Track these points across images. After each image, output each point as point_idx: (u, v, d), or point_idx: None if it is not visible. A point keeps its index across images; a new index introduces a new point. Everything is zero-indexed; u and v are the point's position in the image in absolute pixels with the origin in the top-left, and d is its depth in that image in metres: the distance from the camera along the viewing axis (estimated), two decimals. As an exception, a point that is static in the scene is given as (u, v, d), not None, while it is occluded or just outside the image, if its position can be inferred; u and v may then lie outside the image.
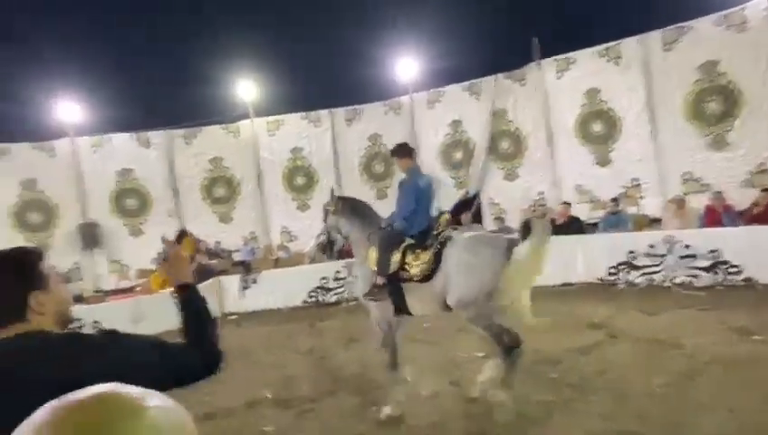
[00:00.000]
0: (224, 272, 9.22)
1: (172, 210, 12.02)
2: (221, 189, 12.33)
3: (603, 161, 10.23)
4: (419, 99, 11.93)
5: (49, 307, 1.17)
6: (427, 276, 3.69)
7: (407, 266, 3.75)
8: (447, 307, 3.71)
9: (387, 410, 3.65)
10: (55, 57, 11.68)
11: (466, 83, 11.54)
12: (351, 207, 4.24)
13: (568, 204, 7.72)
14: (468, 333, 4.24)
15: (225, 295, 8.21)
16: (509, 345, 3.41)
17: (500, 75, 11.14)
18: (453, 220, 4.19)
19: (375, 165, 12.27)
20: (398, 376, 3.85)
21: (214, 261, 10.20)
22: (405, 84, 11.98)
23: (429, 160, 11.92)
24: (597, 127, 10.28)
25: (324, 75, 13.66)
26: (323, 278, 7.94)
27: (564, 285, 6.57)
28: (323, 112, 12.29)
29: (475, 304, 3.51)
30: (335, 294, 8.28)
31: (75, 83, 11.41)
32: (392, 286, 3.78)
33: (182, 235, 11.92)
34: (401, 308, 3.86)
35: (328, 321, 6.80)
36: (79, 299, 8.59)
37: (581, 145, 10.44)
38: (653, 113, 9.63)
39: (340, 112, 12.28)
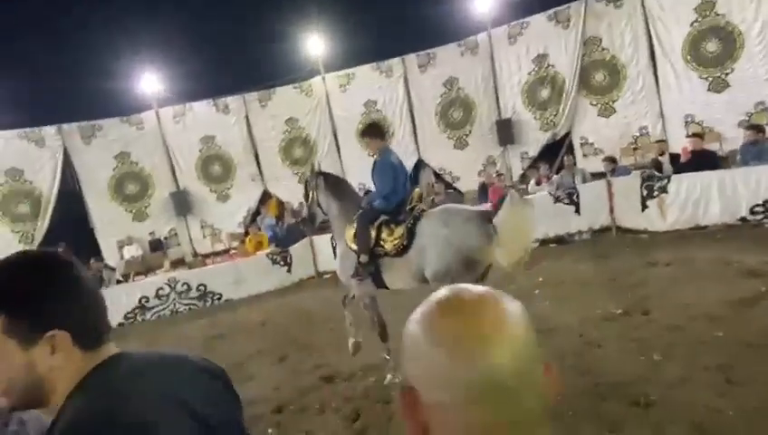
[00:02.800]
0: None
1: (254, 174, 12.24)
2: (299, 150, 12.32)
3: (719, 86, 8.94)
4: (498, 35, 10.99)
5: None
6: (401, 251, 3.70)
7: (381, 242, 3.78)
8: (424, 280, 3.70)
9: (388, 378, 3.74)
10: (136, 32, 11.92)
11: (551, 11, 10.42)
12: (332, 184, 4.23)
13: (699, 135, 6.77)
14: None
15: (318, 255, 8.24)
16: None
17: (593, -2, 9.93)
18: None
19: (453, 112, 11.63)
20: (389, 346, 3.87)
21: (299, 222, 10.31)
22: (481, 21, 11.05)
23: (512, 102, 11.15)
24: (711, 46, 8.94)
25: (393, 21, 12.92)
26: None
27: (695, 228, 5.84)
28: (395, 61, 11.70)
29: (450, 275, 3.43)
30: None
31: (154, 55, 11.62)
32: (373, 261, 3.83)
33: (266, 197, 12.29)
34: (378, 283, 3.90)
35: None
36: (182, 263, 9.02)
37: (692, 70, 9.18)
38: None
39: (413, 59, 11.63)
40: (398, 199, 3.89)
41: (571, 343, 3.58)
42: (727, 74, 8.84)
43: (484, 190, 8.30)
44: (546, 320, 4.02)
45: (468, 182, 11.24)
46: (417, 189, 4.09)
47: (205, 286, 7.79)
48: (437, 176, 11.76)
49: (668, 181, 5.98)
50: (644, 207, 6.15)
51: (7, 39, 11.77)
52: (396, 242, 3.72)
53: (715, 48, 8.90)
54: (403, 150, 11.85)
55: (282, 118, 12.17)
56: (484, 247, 3.41)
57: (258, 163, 12.29)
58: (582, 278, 5.07)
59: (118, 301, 7.60)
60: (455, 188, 9.17)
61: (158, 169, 11.86)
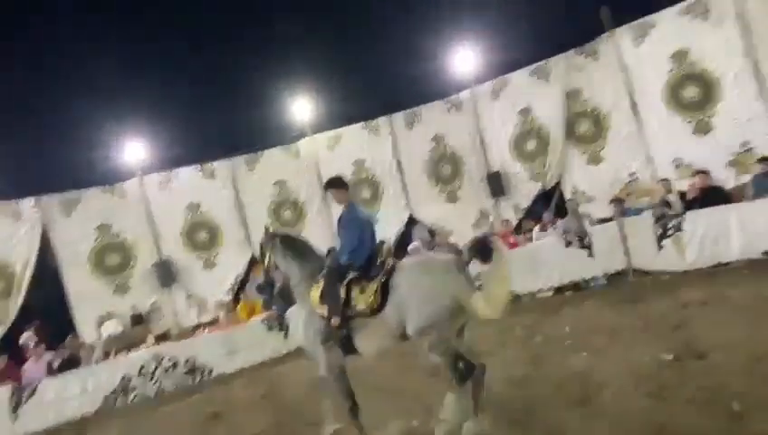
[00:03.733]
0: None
1: (242, 239, 11.82)
2: (288, 212, 12.03)
3: (704, 128, 9.15)
4: (482, 91, 11.29)
5: None
6: (375, 310, 3.48)
7: (352, 302, 3.55)
8: (400, 339, 3.52)
9: None
10: (117, 97, 11.86)
11: (532, 67, 10.80)
12: (290, 245, 4.03)
13: (704, 172, 6.75)
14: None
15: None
16: (465, 374, 3.28)
17: (570, 52, 10.34)
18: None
19: (441, 167, 11.65)
20: (360, 423, 3.62)
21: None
22: (465, 78, 11.37)
23: (499, 155, 11.25)
24: (690, 92, 9.25)
25: (379, 80, 13.25)
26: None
27: (717, 265, 5.64)
28: (382, 120, 11.83)
29: (435, 328, 3.30)
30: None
31: (138, 121, 11.51)
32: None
33: (255, 262, 11.81)
34: (347, 349, 3.64)
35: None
36: (166, 337, 8.36)
37: (675, 114, 9.43)
38: (757, 69, 8.53)
39: (399, 117, 11.78)
40: (365, 255, 3.70)
41: (629, 398, 3.19)
42: (710, 117, 9.08)
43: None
44: (591, 373, 3.63)
45: (462, 235, 11.04)
46: (385, 244, 4.00)
47: (194, 360, 7.15)
48: (431, 232, 11.55)
49: (683, 218, 5.85)
50: (660, 246, 5.97)
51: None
52: (369, 300, 3.49)
53: (693, 93, 9.21)
54: (393, 207, 11.73)
55: (270, 181, 11.96)
56: (468, 294, 3.27)
57: (246, 228, 11.91)
58: (612, 325, 4.74)
59: (97, 382, 6.88)
60: (449, 244, 8.96)
61: (140, 240, 11.34)
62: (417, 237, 11.89)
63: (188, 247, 11.55)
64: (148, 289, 11.14)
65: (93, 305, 10.68)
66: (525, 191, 11.04)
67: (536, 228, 7.89)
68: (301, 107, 11.86)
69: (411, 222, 11.87)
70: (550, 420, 3.21)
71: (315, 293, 3.67)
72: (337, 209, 11.87)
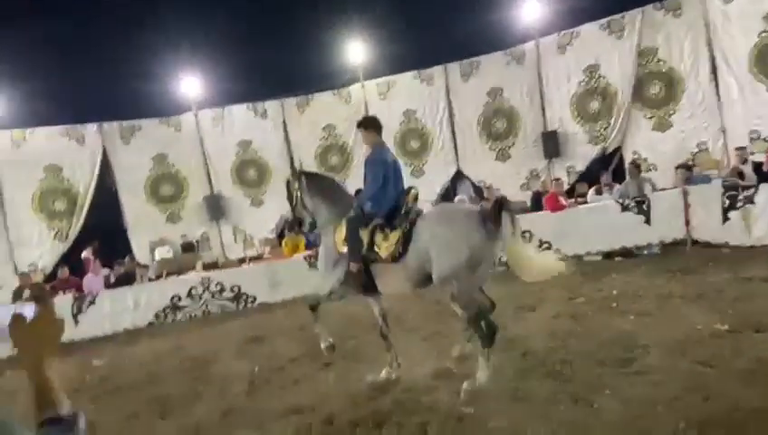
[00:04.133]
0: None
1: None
2: (335, 157, 12.06)
3: (792, 98, 8.34)
4: (547, 44, 10.63)
5: None
6: (397, 257, 3.52)
7: (375, 248, 3.59)
8: (421, 284, 3.59)
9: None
10: (178, 34, 11.97)
11: (604, 20, 10.04)
12: (317, 185, 4.02)
13: None
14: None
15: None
16: (488, 333, 3.28)
17: (648, 7, 9.51)
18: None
19: (496, 123, 11.23)
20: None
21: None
22: (529, 29, 10.71)
23: (559, 114, 10.71)
24: (782, 57, 8.37)
25: (436, 28, 12.72)
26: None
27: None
28: (436, 69, 11.44)
29: (457, 278, 3.32)
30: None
31: (195, 58, 11.63)
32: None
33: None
34: (370, 289, 3.72)
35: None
36: (214, 266, 8.75)
37: (760, 83, 8.60)
38: None
39: (455, 67, 11.34)
40: (390, 201, 3.70)
41: (675, 362, 3.08)
42: (801, 85, 8.24)
43: (537, 200, 7.81)
44: (635, 336, 3.52)
45: (509, 195, 10.77)
46: (412, 190, 3.86)
47: (239, 288, 7.48)
48: (476, 188, 11.34)
49: (756, 191, 5.43)
50: (725, 218, 5.60)
51: (52, 37, 11.95)
52: (391, 248, 3.53)
53: (785, 59, 8.34)
54: (442, 161, 11.52)
55: (319, 124, 11.97)
56: (489, 245, 3.29)
57: (293, 169, 12.05)
58: (663, 292, 4.54)
59: (149, 299, 7.35)
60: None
61: (193, 172, 11.75)
62: (462, 193, 11.75)
63: (237, 184, 11.87)
64: (198, 220, 11.64)
65: (147, 230, 11.29)
66: (582, 154, 10.54)
67: (591, 191, 7.55)
68: (354, 52, 11.61)
69: (458, 177, 11.69)
70: (589, 376, 3.15)
71: (340, 234, 3.71)
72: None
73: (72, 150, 10.82)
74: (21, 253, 10.22)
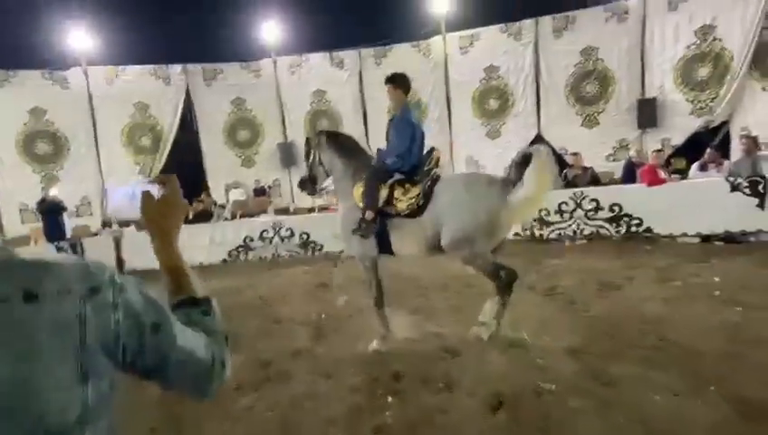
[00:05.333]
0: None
1: (361, 133, 11.89)
2: (408, 112, 11.73)
3: None
4: (655, 0, 9.50)
5: None
6: (415, 212, 3.48)
7: (394, 201, 3.56)
8: (434, 249, 3.52)
9: (373, 345, 3.61)
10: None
11: (729, -27, 8.76)
12: (336, 142, 3.96)
13: None
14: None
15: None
16: (507, 281, 3.29)
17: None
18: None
19: (586, 85, 10.37)
20: (384, 313, 3.77)
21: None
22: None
23: (660, 80, 9.67)
24: None
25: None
26: (544, 210, 6.77)
27: None
28: (526, 23, 10.62)
29: (469, 243, 3.31)
30: (556, 229, 7.02)
31: (277, 4, 11.54)
32: (378, 221, 3.59)
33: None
34: (383, 247, 3.66)
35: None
36: (285, 212, 8.92)
37: None
38: None
39: (547, 22, 10.47)
40: (413, 161, 3.65)
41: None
42: None
43: (630, 170, 7.17)
44: (744, 329, 3.12)
45: (593, 165, 10.03)
46: (435, 152, 3.81)
47: (308, 235, 7.59)
48: (556, 156, 10.65)
49: None
50: None
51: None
52: (411, 202, 3.50)
53: None
54: (522, 123, 10.88)
55: (395, 77, 11.62)
56: (506, 213, 3.26)
57: (365, 122, 11.92)
58: (777, 285, 4.01)
59: (223, 238, 7.63)
60: (584, 168, 8.06)
61: (269, 119, 11.94)
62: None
63: (309, 132, 11.94)
64: (271, 166, 11.91)
65: (223, 173, 11.73)
66: (681, 126, 9.54)
67: (694, 166, 6.79)
68: (438, 1, 11.01)
69: (537, 142, 11.03)
70: (690, 364, 2.83)
71: (358, 191, 3.67)
72: (459, 117, 11.40)
73: (158, 89, 11.27)
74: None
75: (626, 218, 6.38)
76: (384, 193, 3.57)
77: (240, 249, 7.73)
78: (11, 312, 0.54)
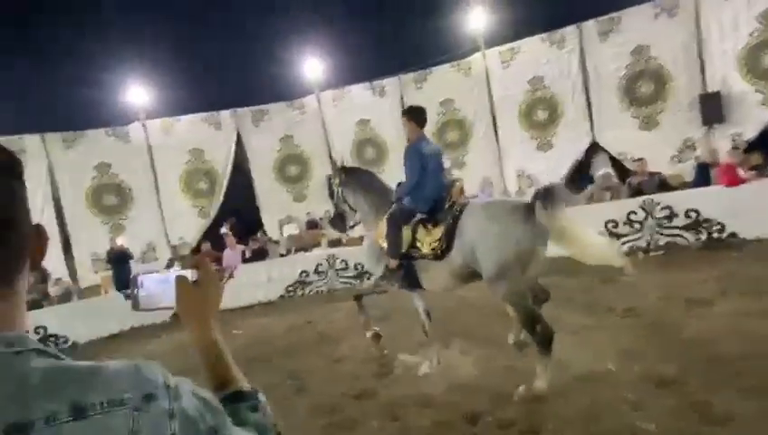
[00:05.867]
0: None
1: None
2: (452, 133, 11.60)
3: None
4: (712, -11, 8.95)
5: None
6: (440, 255, 3.42)
7: (417, 244, 3.52)
8: (466, 280, 3.48)
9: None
10: (297, 18, 12.32)
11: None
12: (357, 180, 3.99)
13: None
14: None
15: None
16: (542, 337, 3.05)
17: None
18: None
19: (640, 86, 9.82)
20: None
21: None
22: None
23: (722, 72, 9.01)
24: None
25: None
26: (611, 221, 6.30)
27: None
28: (569, 30, 10.28)
29: (505, 277, 3.14)
30: (627, 241, 6.48)
31: (317, 40, 11.88)
32: (404, 264, 3.59)
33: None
34: (412, 284, 3.68)
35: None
36: (339, 243, 8.90)
37: None
38: None
39: (591, 26, 10.09)
40: (431, 195, 3.59)
41: None
42: None
43: (703, 172, 6.61)
44: None
45: (657, 168, 9.40)
46: (457, 183, 3.98)
47: (362, 265, 7.51)
48: (615, 162, 10.09)
49: None
50: None
51: (188, 32, 13.01)
52: (434, 245, 3.44)
53: None
54: (574, 133, 10.43)
55: (436, 100, 11.54)
56: (536, 240, 3.13)
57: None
58: None
59: (280, 273, 7.69)
60: (651, 174, 7.49)
61: (316, 152, 12.14)
62: (598, 170, 10.58)
63: (357, 162, 12.01)
64: (321, 198, 12.04)
65: (276, 209, 11.98)
66: (753, 118, 8.79)
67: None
68: (475, 18, 10.91)
69: (593, 150, 10.52)
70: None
71: (380, 230, 3.68)
72: (506, 131, 11.13)
73: (211, 135, 11.76)
74: (172, 228, 11.45)
75: (705, 224, 5.83)
76: (407, 234, 3.54)
77: (297, 284, 7.76)
78: (57, 431, 0.49)
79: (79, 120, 10.94)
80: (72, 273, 10.50)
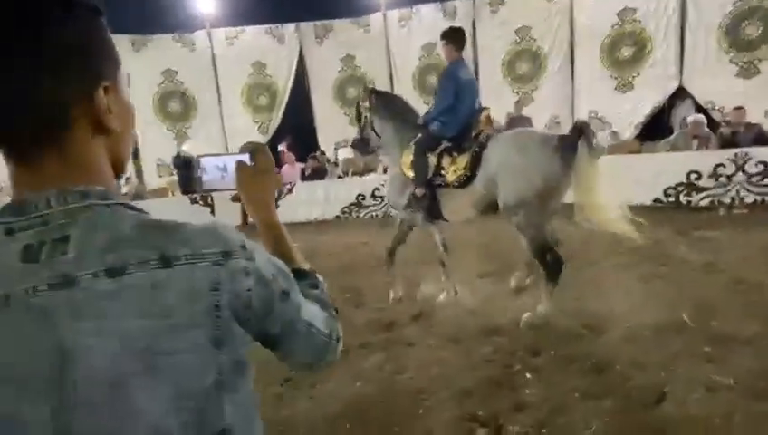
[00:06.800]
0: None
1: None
2: (525, 65, 10.88)
3: None
4: None
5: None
6: (464, 182, 3.44)
7: (442, 172, 3.52)
8: (488, 210, 3.49)
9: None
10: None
11: None
12: (386, 103, 3.92)
13: None
14: None
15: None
16: (552, 266, 3.16)
17: None
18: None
19: (746, 26, 8.73)
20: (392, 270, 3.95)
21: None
22: None
23: None
24: None
25: None
26: (694, 173, 5.86)
27: None
28: (674, -46, 9.10)
29: (524, 208, 3.20)
30: (709, 195, 6.06)
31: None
32: (428, 193, 3.60)
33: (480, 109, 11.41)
34: (436, 214, 3.70)
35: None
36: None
37: None
38: None
39: (701, -49, 8.87)
40: (459, 120, 3.53)
41: None
42: None
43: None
44: None
45: (756, 121, 8.53)
46: (485, 111, 3.60)
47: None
48: (701, 111, 9.24)
49: None
50: None
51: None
52: (459, 173, 3.44)
53: None
54: (660, 74, 9.55)
55: (512, 26, 10.74)
56: (564, 176, 3.11)
57: (477, 74, 11.26)
58: None
59: (337, 195, 7.78)
60: (749, 125, 6.72)
61: (378, 75, 11.75)
62: (677, 118, 9.76)
63: (419, 90, 11.59)
64: (378, 124, 11.86)
65: (333, 131, 11.90)
66: None
67: None
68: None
69: (677, 96, 9.65)
70: None
71: (407, 157, 3.64)
72: (585, 67, 10.33)
73: (273, 49, 11.58)
74: (233, 142, 11.68)
75: (803, 186, 5.32)
76: (433, 162, 3.54)
77: (353, 207, 7.84)
78: (148, 275, 0.54)
79: (147, 25, 10.96)
80: (140, 175, 11.05)
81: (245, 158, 0.87)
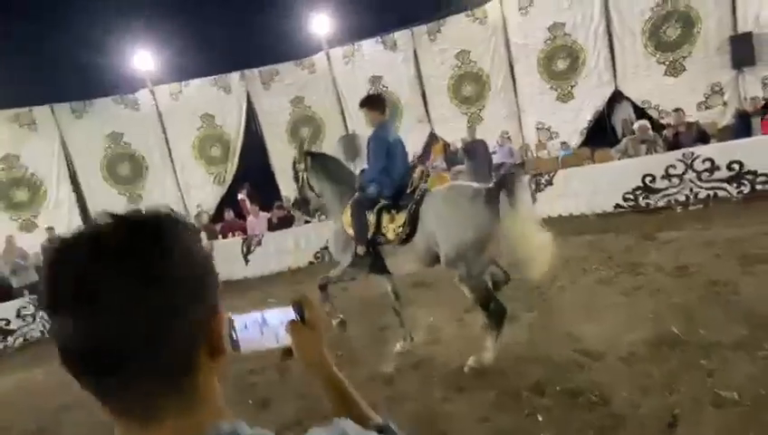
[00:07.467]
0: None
1: (422, 115, 11.57)
2: (469, 87, 11.25)
3: None
4: None
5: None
6: (404, 240, 3.51)
7: (383, 230, 3.57)
8: (432, 263, 3.57)
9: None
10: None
11: None
12: (322, 165, 3.97)
13: None
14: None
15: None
16: (495, 316, 3.26)
17: None
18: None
19: (666, 29, 9.42)
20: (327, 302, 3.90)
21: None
22: None
23: (756, 9, 8.57)
24: None
25: None
26: (648, 176, 6.16)
27: None
28: (590, -29, 9.73)
29: (463, 260, 3.29)
30: (665, 195, 6.40)
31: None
32: (371, 251, 3.64)
33: (432, 140, 11.63)
34: (381, 269, 3.76)
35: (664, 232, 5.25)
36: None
37: None
38: None
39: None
40: (395, 182, 3.62)
41: None
42: None
43: (744, 121, 6.40)
44: None
45: (689, 116, 9.11)
46: (418, 168, 3.78)
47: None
48: (638, 111, 9.80)
49: None
50: None
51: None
52: (398, 231, 3.51)
53: None
54: (596, 82, 10.09)
55: (452, 52, 11.14)
56: (496, 225, 3.20)
57: (425, 102, 11.55)
58: None
59: (307, 240, 7.69)
60: (689, 124, 7.17)
61: (329, 113, 11.84)
62: (619, 118, 10.32)
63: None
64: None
65: (290, 172, 11.77)
66: None
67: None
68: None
69: (615, 99, 10.21)
70: None
71: (346, 216, 3.69)
72: (525, 84, 10.75)
73: (220, 99, 11.46)
74: (189, 197, 11.38)
75: (749, 176, 5.69)
76: (372, 219, 3.58)
77: (325, 251, 7.74)
78: None
79: (87, 90, 10.63)
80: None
81: (291, 313, 0.82)
